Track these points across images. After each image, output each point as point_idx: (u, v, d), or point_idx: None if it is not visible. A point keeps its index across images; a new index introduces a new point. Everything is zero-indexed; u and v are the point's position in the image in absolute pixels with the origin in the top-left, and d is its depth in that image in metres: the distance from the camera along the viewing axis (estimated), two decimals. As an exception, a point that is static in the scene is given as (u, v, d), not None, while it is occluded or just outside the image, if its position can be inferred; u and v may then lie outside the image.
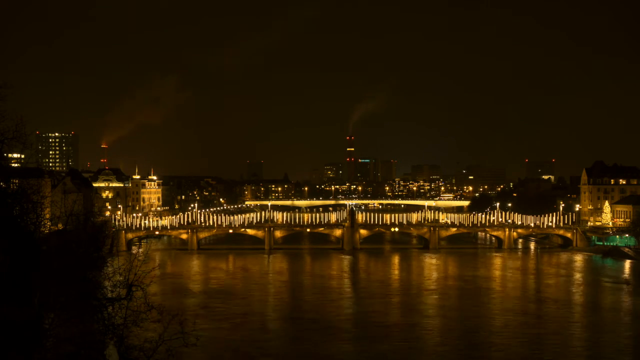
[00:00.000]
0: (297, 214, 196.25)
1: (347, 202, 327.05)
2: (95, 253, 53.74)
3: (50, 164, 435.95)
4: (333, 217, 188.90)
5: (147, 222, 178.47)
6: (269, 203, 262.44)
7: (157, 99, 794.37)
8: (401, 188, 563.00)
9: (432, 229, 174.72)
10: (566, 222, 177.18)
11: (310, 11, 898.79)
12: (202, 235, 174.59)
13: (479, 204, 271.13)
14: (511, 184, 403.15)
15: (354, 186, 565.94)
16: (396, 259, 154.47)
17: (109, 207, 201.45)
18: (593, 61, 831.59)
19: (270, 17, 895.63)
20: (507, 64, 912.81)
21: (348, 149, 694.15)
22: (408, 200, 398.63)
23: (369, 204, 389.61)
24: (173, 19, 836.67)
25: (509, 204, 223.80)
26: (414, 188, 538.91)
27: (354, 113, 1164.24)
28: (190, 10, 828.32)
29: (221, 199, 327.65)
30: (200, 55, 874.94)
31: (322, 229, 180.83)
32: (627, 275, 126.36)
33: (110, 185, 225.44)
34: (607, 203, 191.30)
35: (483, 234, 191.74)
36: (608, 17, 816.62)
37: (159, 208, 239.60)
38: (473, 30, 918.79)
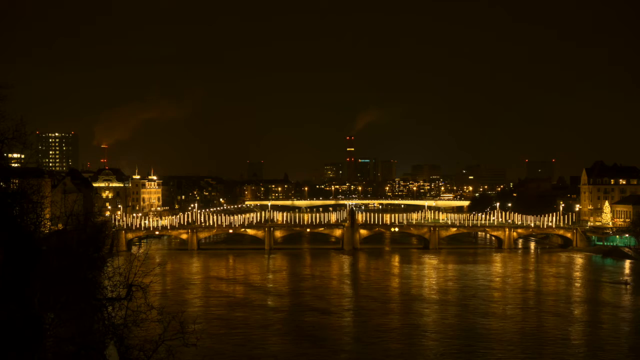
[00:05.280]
0: (297, 214, 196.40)
1: (347, 202, 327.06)
2: (95, 253, 53.65)
3: (50, 164, 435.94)
4: (333, 217, 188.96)
5: (147, 222, 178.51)
6: (269, 203, 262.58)
7: (157, 99, 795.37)
8: (401, 188, 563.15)
9: (432, 229, 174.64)
10: (566, 222, 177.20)
11: (309, 13, 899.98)
12: (202, 235, 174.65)
13: (479, 204, 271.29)
14: (511, 184, 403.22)
15: (354, 186, 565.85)
16: (396, 259, 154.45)
17: (109, 207, 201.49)
18: (593, 61, 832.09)
19: (271, 17, 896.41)
20: (507, 64, 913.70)
21: (348, 149, 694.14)
22: (408, 200, 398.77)
23: (369, 204, 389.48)
24: (174, 18, 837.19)
25: (509, 204, 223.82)
26: (414, 188, 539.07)
27: (354, 113, 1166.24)
28: (191, 10, 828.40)
29: (221, 199, 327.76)
30: (200, 55, 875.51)
31: (322, 229, 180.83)
32: (627, 276, 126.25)
33: (110, 185, 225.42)
34: (607, 203, 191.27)
35: (483, 234, 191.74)
36: (610, 18, 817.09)
37: (159, 208, 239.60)
38: (473, 31, 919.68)
